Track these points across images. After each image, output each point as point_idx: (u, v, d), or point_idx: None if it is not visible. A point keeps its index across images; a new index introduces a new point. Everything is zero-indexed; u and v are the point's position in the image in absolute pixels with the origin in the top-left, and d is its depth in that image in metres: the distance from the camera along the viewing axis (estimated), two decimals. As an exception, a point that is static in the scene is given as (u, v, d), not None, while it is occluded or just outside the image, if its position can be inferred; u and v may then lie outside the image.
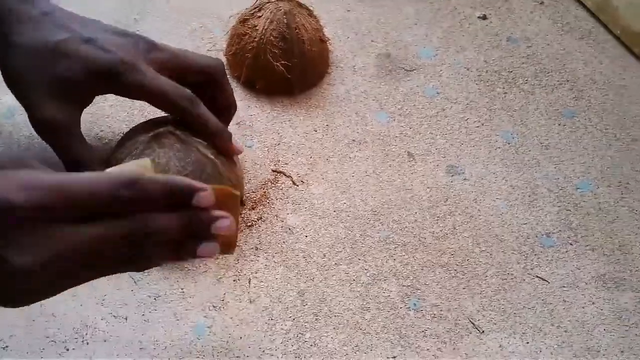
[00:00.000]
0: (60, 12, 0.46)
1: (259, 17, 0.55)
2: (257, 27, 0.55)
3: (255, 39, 0.55)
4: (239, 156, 0.50)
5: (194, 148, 0.46)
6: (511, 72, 0.61)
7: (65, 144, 0.47)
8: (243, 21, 0.56)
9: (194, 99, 0.46)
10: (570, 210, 0.53)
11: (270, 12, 0.55)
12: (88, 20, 0.47)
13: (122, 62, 0.44)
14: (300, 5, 0.57)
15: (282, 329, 0.46)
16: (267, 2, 0.56)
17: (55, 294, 0.33)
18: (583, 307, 0.48)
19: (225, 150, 0.47)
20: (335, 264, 0.49)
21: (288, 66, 0.55)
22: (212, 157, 0.46)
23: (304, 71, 0.56)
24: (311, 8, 0.58)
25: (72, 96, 0.45)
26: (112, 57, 0.44)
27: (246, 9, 0.57)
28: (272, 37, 0.54)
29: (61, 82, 0.44)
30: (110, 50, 0.44)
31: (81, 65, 0.44)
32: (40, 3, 0.46)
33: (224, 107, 0.49)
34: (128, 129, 0.49)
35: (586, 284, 0.49)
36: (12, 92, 0.46)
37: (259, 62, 0.55)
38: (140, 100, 0.47)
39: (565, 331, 0.47)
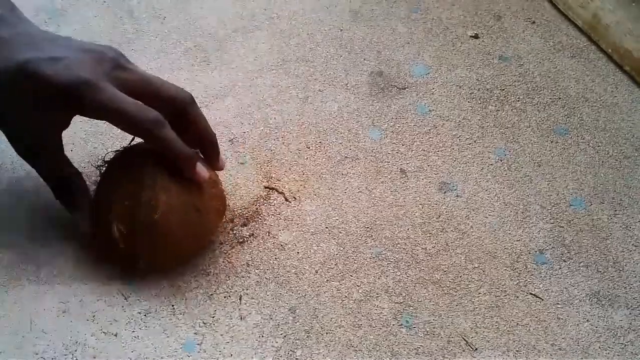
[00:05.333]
0: (31, 30, 0.45)
1: None
2: None
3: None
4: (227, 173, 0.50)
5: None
6: (503, 90, 0.61)
7: (49, 167, 0.47)
8: None
9: (158, 120, 0.43)
10: (563, 227, 0.53)
11: None
12: (59, 38, 0.45)
13: (80, 81, 0.42)
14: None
15: (273, 346, 0.45)
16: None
17: None
18: (577, 325, 0.48)
19: (189, 176, 0.45)
20: (327, 280, 0.48)
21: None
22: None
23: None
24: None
25: (46, 117, 0.44)
26: (70, 76, 0.42)
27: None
28: None
29: (30, 104, 0.43)
30: (72, 69, 0.42)
31: (42, 85, 0.42)
32: (12, 24, 0.45)
33: (199, 141, 0.47)
34: (121, 147, 0.49)
35: (580, 301, 0.49)
36: None
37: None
38: (104, 119, 0.44)
39: (560, 349, 0.46)
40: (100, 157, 0.51)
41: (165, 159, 0.45)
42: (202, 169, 0.46)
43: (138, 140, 0.47)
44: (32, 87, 0.43)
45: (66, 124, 0.46)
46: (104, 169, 0.48)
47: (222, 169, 0.49)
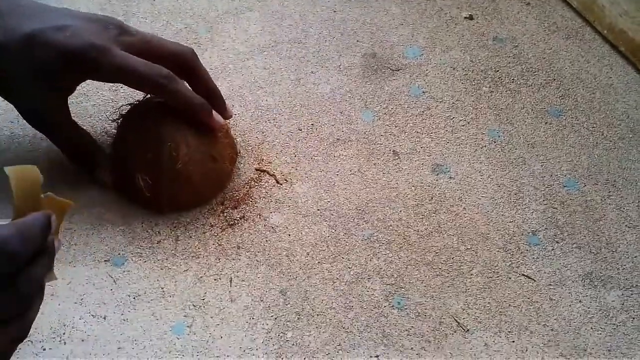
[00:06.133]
0: (31, 4, 0.46)
1: None
2: None
3: None
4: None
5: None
6: (497, 71, 0.61)
7: (58, 133, 0.48)
8: None
9: (169, 75, 0.45)
10: (556, 209, 0.52)
11: None
12: (59, 9, 0.47)
13: (93, 46, 0.44)
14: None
15: (263, 328, 0.45)
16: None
17: None
18: (570, 306, 0.47)
19: (205, 125, 0.48)
20: (319, 262, 0.48)
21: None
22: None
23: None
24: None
25: (55, 85, 0.45)
26: (83, 42, 0.44)
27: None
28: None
29: (40, 71, 0.44)
30: (82, 36, 0.44)
31: (55, 53, 0.44)
32: None
33: (203, 94, 0.48)
34: (136, 101, 0.50)
35: (573, 282, 0.48)
36: None
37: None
38: (116, 82, 0.47)
39: (552, 330, 0.46)
40: (115, 111, 0.52)
41: (179, 112, 0.47)
42: (217, 116, 0.48)
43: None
44: (43, 56, 0.44)
45: (73, 90, 0.48)
46: (120, 121, 0.50)
47: (230, 117, 0.51)
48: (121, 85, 0.56)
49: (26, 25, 0.44)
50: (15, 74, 0.44)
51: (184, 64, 0.48)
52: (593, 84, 0.60)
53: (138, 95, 0.50)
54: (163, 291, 0.46)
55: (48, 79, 0.45)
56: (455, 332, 0.45)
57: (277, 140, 0.54)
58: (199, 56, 0.50)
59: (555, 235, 0.51)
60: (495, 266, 0.49)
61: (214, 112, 0.48)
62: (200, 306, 0.45)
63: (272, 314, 0.45)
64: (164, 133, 0.46)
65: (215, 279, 0.47)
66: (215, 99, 0.49)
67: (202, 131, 0.48)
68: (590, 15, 0.65)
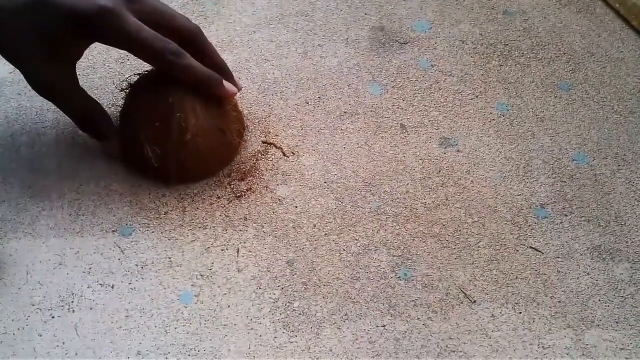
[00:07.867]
0: None
1: None
2: None
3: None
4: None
5: None
6: (507, 45, 0.60)
7: (67, 100, 0.48)
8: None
9: (178, 50, 0.45)
10: (565, 182, 0.52)
11: None
12: None
13: (102, 9, 0.43)
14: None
15: (270, 297, 0.45)
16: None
17: None
18: (577, 278, 0.47)
19: (219, 93, 0.47)
20: (325, 234, 0.48)
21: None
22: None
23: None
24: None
25: (62, 50, 0.45)
26: (91, 5, 0.43)
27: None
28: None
29: (47, 36, 0.44)
30: None
31: (63, 15, 0.43)
32: None
33: (211, 69, 0.48)
34: (144, 71, 0.50)
35: (581, 254, 0.48)
36: (4, 57, 0.46)
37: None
38: (124, 49, 0.46)
39: (559, 302, 0.46)
40: (124, 81, 0.51)
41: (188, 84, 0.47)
42: (229, 85, 0.48)
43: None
44: (49, 20, 0.43)
45: (80, 55, 0.47)
46: (129, 91, 0.50)
47: (240, 89, 0.51)
48: (128, 57, 0.56)
49: None
50: (22, 41, 0.44)
51: (190, 41, 0.48)
52: (604, 58, 0.60)
53: (145, 67, 0.50)
54: (170, 261, 0.46)
55: (55, 44, 0.44)
56: (461, 303, 0.45)
57: (284, 113, 0.54)
58: (205, 29, 0.49)
59: (564, 209, 0.50)
60: (502, 239, 0.49)
61: (224, 81, 0.48)
62: (207, 276, 0.45)
63: (279, 284, 0.45)
64: (173, 103, 0.46)
65: (222, 250, 0.47)
66: (222, 74, 0.49)
67: (211, 103, 0.48)
68: (601, -12, 0.64)
